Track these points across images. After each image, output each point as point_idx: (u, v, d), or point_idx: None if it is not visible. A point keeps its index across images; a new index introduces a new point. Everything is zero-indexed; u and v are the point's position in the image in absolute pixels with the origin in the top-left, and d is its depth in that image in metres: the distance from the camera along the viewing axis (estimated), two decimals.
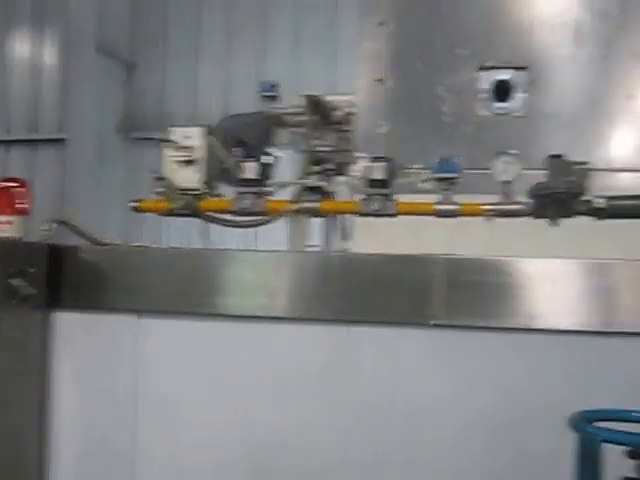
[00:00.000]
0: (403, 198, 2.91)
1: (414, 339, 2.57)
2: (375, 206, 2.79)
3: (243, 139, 3.39)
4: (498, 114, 3.42)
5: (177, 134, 3.00)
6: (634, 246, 2.72)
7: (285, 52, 10.81)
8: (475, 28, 3.42)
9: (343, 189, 3.57)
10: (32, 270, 2.64)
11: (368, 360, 2.64)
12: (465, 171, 2.88)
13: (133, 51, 11.55)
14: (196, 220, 3.20)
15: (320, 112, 3.56)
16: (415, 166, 3.21)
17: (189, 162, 2.98)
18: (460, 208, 2.79)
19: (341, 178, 3.73)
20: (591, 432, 1.84)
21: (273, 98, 3.63)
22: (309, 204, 2.95)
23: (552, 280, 2.48)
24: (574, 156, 2.80)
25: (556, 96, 3.36)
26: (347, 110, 3.65)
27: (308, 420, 2.64)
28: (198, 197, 2.98)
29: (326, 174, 3.63)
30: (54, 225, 2.92)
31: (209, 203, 2.98)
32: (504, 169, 2.74)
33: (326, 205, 2.95)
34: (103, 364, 2.78)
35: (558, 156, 2.63)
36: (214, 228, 3.33)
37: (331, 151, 3.60)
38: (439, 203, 2.81)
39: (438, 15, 3.45)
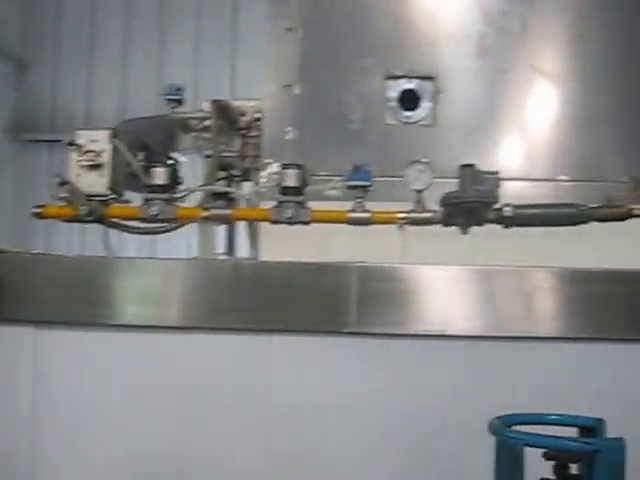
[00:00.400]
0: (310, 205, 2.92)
1: (328, 347, 2.56)
2: (288, 214, 2.78)
3: (146, 143, 3.33)
4: (405, 123, 3.45)
5: (82, 137, 2.91)
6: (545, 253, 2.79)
7: (185, 55, 10.68)
8: (383, 37, 3.44)
9: (248, 195, 3.55)
10: None
11: (281, 369, 2.62)
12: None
13: (25, 50, 11.16)
14: (96, 226, 3.12)
15: (226, 117, 3.53)
16: (322, 173, 3.21)
17: (95, 166, 2.89)
18: (373, 216, 2.80)
19: (247, 184, 3.71)
20: (513, 437, 1.88)
21: (178, 102, 3.58)
22: (220, 211, 2.91)
23: (456, 285, 2.53)
24: (478, 164, 2.86)
25: (460, 106, 3.42)
26: (254, 116, 3.63)
27: (217, 432, 2.60)
28: (104, 203, 2.89)
29: (232, 180, 3.61)
30: None
31: (116, 209, 2.91)
32: (417, 177, 2.77)
33: (238, 212, 2.92)
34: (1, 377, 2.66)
35: (469, 165, 2.67)
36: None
37: (237, 157, 3.58)
38: (352, 211, 2.82)
39: (346, 23, 3.47)
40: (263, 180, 3.37)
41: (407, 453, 2.55)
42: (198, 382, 2.63)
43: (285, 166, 2.80)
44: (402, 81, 3.48)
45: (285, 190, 2.80)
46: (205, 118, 3.63)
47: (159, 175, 2.84)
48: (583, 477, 1.87)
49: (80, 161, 2.85)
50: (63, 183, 2.88)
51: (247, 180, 3.80)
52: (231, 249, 4.02)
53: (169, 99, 3.56)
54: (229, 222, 3.00)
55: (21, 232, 9.12)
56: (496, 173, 2.65)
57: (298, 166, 2.81)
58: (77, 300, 2.67)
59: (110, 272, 2.73)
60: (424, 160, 2.78)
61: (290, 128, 3.51)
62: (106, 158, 2.87)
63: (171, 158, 3.50)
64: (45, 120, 10.78)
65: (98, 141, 2.88)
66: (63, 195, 2.92)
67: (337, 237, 3.08)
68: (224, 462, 2.62)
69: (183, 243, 4.94)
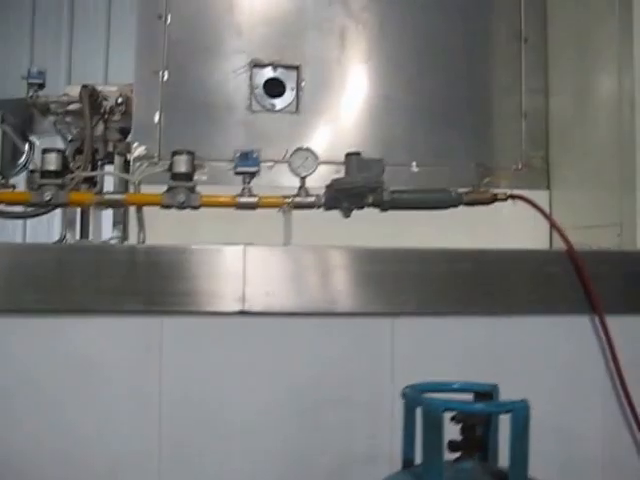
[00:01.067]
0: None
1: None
2: (180, 199, 2.90)
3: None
4: (269, 110, 3.65)
5: None
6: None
7: (53, 38, 10.11)
8: (250, 27, 3.61)
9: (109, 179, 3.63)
10: None
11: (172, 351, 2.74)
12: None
13: None
14: None
15: (91, 101, 3.59)
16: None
17: None
18: (260, 200, 2.98)
19: (109, 167, 3.78)
20: (434, 403, 2.10)
21: (40, 85, 3.59)
22: (113, 196, 2.99)
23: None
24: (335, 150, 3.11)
25: (323, 95, 3.65)
26: (119, 100, 3.70)
27: (108, 414, 2.69)
28: None
29: (95, 164, 3.67)
30: None
31: (7, 195, 2.92)
32: (302, 164, 2.98)
33: (130, 197, 3.00)
34: None
35: (356, 154, 2.92)
36: None
37: (100, 141, 3.65)
38: (241, 195, 2.98)
39: (214, 11, 3.61)
40: (136, 164, 3.45)
41: (293, 423, 2.75)
42: (91, 366, 2.68)
43: (176, 152, 2.91)
44: (267, 69, 3.66)
45: (176, 176, 2.91)
46: (70, 102, 3.66)
47: (51, 161, 2.87)
48: (487, 438, 2.14)
49: None
50: None
51: (110, 163, 3.86)
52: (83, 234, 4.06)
53: (31, 82, 3.56)
54: (121, 206, 3.06)
55: None
56: (381, 160, 2.89)
57: (189, 152, 2.93)
58: None
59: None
60: (308, 147, 2.98)
61: (158, 112, 3.61)
62: None
63: (29, 141, 3.51)
64: None
65: None
66: None
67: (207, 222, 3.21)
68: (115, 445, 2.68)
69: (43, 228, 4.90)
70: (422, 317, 2.75)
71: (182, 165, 2.89)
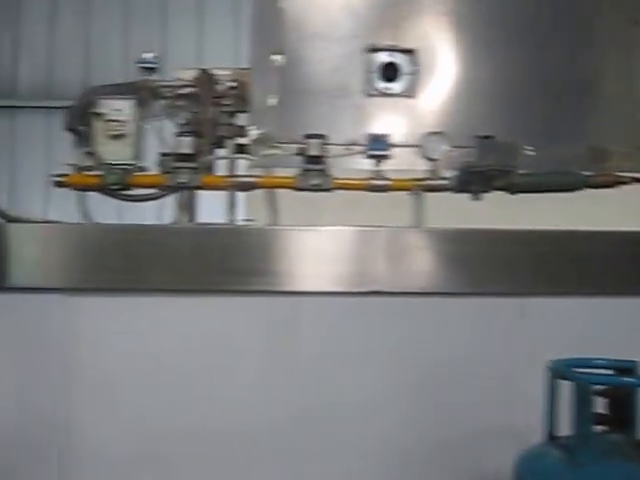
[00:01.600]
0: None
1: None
2: (313, 181, 2.92)
3: None
4: (384, 94, 3.64)
5: (105, 107, 2.94)
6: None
7: (151, 20, 10.18)
8: (366, 11, 3.61)
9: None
10: None
11: (308, 329, 2.77)
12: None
13: None
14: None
15: (207, 85, 3.60)
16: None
17: (119, 136, 2.93)
18: (392, 183, 2.99)
19: (222, 151, 3.80)
20: (586, 377, 2.19)
21: (153, 70, 3.62)
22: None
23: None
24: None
25: (438, 79, 3.64)
26: (228, 84, 3.71)
27: (243, 392, 2.74)
28: (129, 171, 2.94)
29: (209, 148, 3.68)
30: None
31: (142, 177, 2.96)
32: (433, 147, 2.98)
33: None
34: (31, 347, 2.71)
35: (488, 137, 2.91)
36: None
37: (216, 124, 3.66)
38: (372, 178, 2.99)
39: None
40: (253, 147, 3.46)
41: (429, 399, 2.76)
42: (222, 344, 2.73)
43: (309, 136, 2.93)
44: (383, 53, 3.65)
45: (309, 159, 2.93)
46: (182, 86, 3.67)
47: (186, 144, 2.90)
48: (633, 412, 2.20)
49: (106, 130, 2.86)
50: (88, 153, 2.90)
51: (221, 147, 3.87)
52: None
53: (144, 67, 3.58)
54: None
55: None
56: (513, 144, 2.89)
57: (320, 136, 2.94)
58: (102, 267, 2.71)
59: (135, 238, 2.77)
60: (439, 131, 2.98)
61: (274, 96, 3.62)
62: (131, 127, 2.89)
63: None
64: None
65: (121, 110, 2.90)
66: (85, 165, 2.92)
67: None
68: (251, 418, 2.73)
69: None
70: (552, 297, 2.72)
71: (315, 148, 2.90)
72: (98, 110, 2.87)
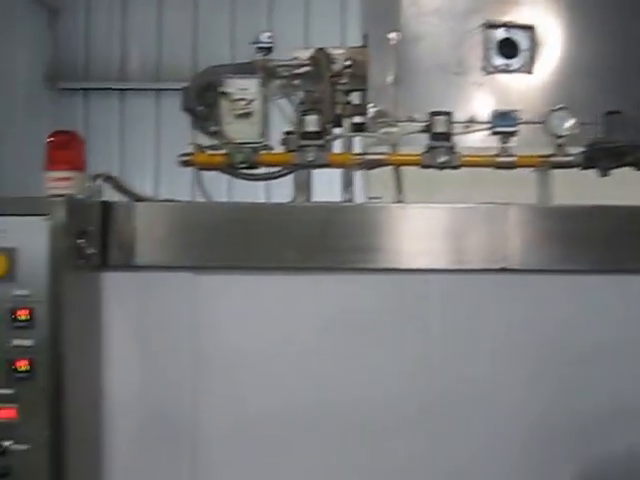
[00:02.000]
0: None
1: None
2: (441, 158, 2.91)
3: None
4: (503, 70, 3.60)
5: (232, 86, 2.97)
6: None
7: (258, 1, 10.26)
8: None
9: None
10: (91, 229, 2.58)
11: (438, 307, 2.75)
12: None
13: None
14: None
15: (324, 63, 3.61)
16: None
17: (246, 114, 2.96)
18: (518, 160, 2.96)
19: (338, 130, 3.81)
20: None
21: (268, 49, 3.63)
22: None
23: None
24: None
25: (556, 55, 3.58)
26: (347, 62, 3.72)
27: (376, 372, 2.73)
28: (256, 150, 2.97)
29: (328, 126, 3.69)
30: (99, 181, 2.83)
31: (269, 156, 2.99)
32: (558, 123, 2.93)
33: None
34: (160, 325, 2.73)
35: (617, 112, 2.86)
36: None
37: (334, 102, 3.66)
38: (499, 155, 2.97)
39: None
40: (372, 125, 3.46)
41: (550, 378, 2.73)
42: (352, 322, 2.71)
43: (435, 113, 2.92)
44: (501, 30, 3.60)
45: (436, 136, 2.91)
46: (300, 65, 3.69)
47: (312, 122, 2.92)
48: None
49: (232, 109, 2.89)
50: (214, 132, 2.93)
51: (338, 126, 3.88)
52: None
53: (259, 47, 3.60)
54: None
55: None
56: None
57: (446, 113, 2.93)
58: (229, 245, 2.71)
59: (261, 217, 2.79)
60: (564, 106, 2.93)
61: (391, 74, 3.61)
62: (257, 106, 2.92)
63: None
64: (80, 68, 10.39)
65: (248, 89, 2.93)
66: (210, 144, 2.96)
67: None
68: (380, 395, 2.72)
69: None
70: None
71: (441, 125, 2.89)
72: (224, 89, 2.90)
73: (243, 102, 2.92)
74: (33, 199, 2.49)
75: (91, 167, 2.81)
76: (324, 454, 2.71)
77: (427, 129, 2.94)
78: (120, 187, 2.95)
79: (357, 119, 3.75)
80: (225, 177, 3.24)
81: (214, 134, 2.96)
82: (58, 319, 2.42)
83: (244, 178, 3.23)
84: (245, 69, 3.79)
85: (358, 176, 3.73)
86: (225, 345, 2.72)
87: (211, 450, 2.70)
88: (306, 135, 2.92)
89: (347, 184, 3.78)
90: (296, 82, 3.77)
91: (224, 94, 2.91)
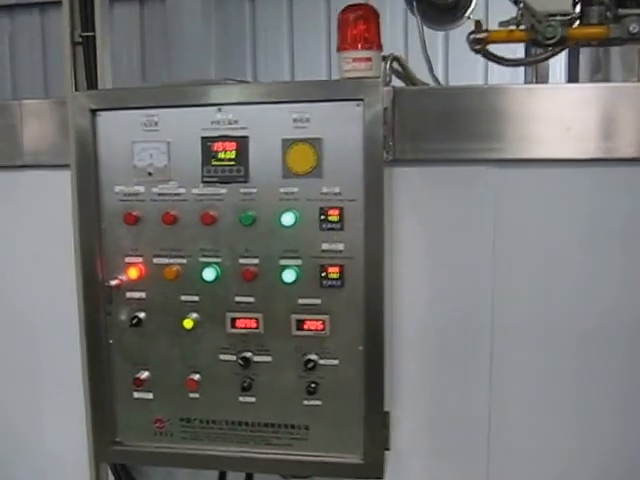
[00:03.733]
0: None
1: None
2: None
3: None
4: None
5: None
6: None
7: None
8: None
9: None
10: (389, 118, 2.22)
11: None
12: None
13: None
14: None
15: None
16: None
17: None
18: None
19: None
20: None
21: None
22: None
23: None
24: None
25: None
26: None
27: None
28: (567, 23, 2.52)
29: None
30: (390, 64, 2.43)
31: (581, 30, 2.53)
32: None
33: None
34: (455, 224, 2.38)
35: None
36: None
37: None
38: None
39: None
40: None
41: None
42: None
43: None
44: None
45: None
46: None
47: None
48: None
49: None
50: (516, 2, 2.51)
51: None
52: None
53: None
54: None
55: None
56: None
57: None
58: (534, 135, 2.27)
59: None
60: None
61: None
62: None
63: None
64: None
65: None
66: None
67: None
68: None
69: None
70: None
71: None
72: None
73: None
74: (342, 83, 2.17)
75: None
76: None
77: None
78: (407, 71, 2.58)
79: None
80: None
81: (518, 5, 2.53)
82: (372, 221, 2.12)
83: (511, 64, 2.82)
84: None
85: None
86: (522, 244, 2.35)
87: (509, 351, 2.39)
88: (625, 2, 2.44)
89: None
90: None
91: None
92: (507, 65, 2.86)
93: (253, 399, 2.24)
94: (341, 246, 2.13)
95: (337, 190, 2.12)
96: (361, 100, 2.07)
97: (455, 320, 2.36)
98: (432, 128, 2.25)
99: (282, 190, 2.13)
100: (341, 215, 2.11)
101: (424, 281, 2.37)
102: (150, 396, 2.30)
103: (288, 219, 2.12)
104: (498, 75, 7.21)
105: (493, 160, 2.28)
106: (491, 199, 2.31)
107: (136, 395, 2.31)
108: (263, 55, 9.38)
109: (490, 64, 2.85)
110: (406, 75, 2.65)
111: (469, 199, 2.32)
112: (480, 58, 2.75)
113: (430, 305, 2.37)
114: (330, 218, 2.12)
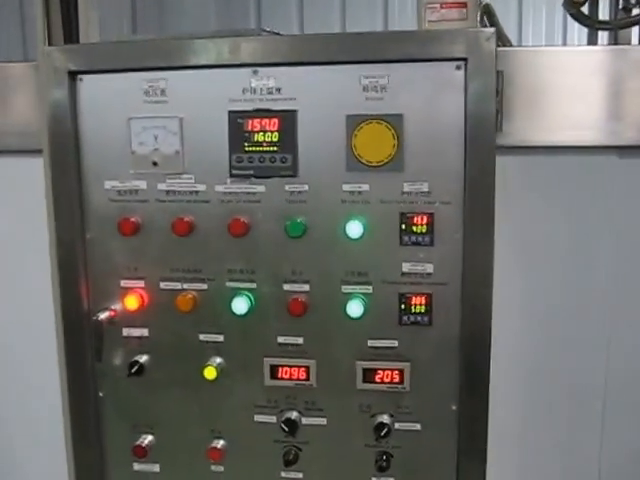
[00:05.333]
0: None
1: None
2: None
3: None
4: None
5: None
6: None
7: None
8: None
9: None
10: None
11: None
12: None
13: None
14: None
15: None
16: None
17: None
18: None
19: None
20: None
21: None
22: None
23: None
24: None
25: None
26: None
27: None
28: None
29: None
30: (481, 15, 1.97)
31: None
32: None
33: None
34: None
35: None
36: None
37: None
38: None
39: None
40: None
41: None
42: None
43: None
44: None
45: None
46: None
47: None
48: None
49: None
50: None
51: None
52: None
53: None
54: None
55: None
56: None
57: None
58: None
59: None
60: None
61: None
62: None
63: None
64: None
65: None
66: None
67: None
68: None
69: None
70: None
71: None
72: None
73: None
74: (437, 34, 1.55)
75: None
76: None
77: None
78: (498, 27, 2.08)
79: None
80: None
81: None
82: (477, 232, 1.54)
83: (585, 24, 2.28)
84: None
85: None
86: None
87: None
88: None
89: None
90: None
91: None
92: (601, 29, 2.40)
93: (300, 475, 1.69)
94: (430, 267, 1.55)
95: (425, 189, 1.53)
96: (463, 60, 1.46)
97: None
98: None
99: (346, 188, 1.55)
100: (430, 224, 1.53)
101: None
102: (156, 468, 1.75)
103: (354, 229, 1.55)
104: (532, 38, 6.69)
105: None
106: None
107: (136, 467, 1.76)
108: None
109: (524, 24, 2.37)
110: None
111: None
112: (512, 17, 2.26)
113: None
114: (415, 228, 1.54)
